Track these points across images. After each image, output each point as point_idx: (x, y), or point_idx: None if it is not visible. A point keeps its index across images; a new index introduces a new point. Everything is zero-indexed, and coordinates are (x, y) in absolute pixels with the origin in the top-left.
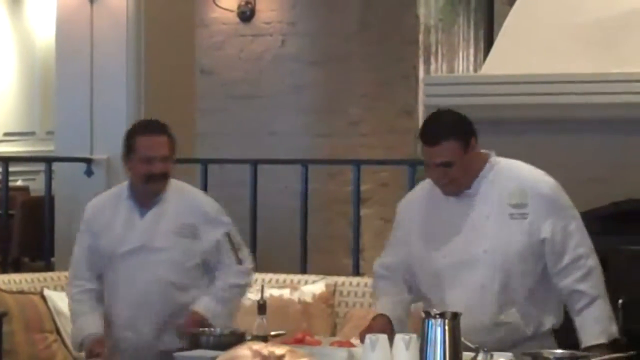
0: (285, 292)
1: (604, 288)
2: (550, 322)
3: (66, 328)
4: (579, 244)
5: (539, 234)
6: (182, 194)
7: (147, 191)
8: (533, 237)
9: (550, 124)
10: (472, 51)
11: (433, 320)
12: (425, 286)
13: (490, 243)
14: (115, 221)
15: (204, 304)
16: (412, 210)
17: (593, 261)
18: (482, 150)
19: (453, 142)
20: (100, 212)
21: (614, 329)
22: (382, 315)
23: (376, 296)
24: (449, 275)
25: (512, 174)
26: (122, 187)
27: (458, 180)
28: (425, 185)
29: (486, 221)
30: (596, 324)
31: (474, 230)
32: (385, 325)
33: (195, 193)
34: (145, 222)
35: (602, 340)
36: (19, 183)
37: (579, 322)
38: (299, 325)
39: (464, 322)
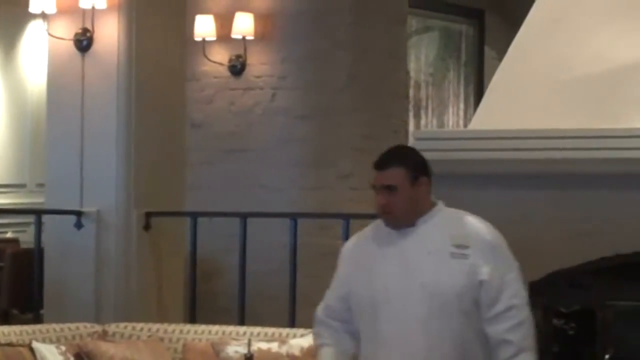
0: (274, 346)
1: (533, 343)
2: None
3: None
4: (515, 295)
5: (478, 276)
6: None
7: None
8: (472, 278)
9: (539, 179)
10: (462, 106)
11: None
12: (362, 320)
13: (428, 277)
14: None
15: None
16: (354, 251)
17: (525, 314)
18: (435, 200)
19: (402, 169)
20: None
21: None
22: None
23: (318, 345)
24: (386, 307)
25: (457, 220)
26: None
27: (400, 211)
28: (368, 229)
29: (427, 256)
30: None
31: (413, 264)
32: None
33: None
34: None
35: None
36: (9, 235)
37: None
38: None
39: (398, 355)
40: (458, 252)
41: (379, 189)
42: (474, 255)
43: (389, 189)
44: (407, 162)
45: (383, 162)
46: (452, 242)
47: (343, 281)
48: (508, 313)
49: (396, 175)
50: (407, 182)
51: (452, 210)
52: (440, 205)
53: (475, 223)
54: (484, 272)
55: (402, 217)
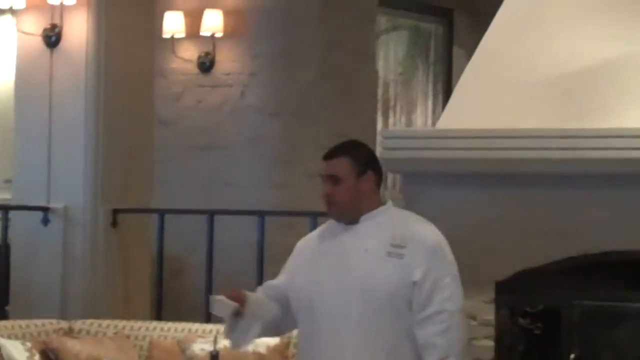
0: None
1: (462, 350)
2: None
3: None
4: (447, 300)
5: (411, 276)
6: None
7: None
8: (405, 278)
9: (506, 179)
10: (430, 105)
11: None
12: (300, 313)
13: (362, 275)
14: None
15: None
16: (306, 245)
17: (456, 320)
18: (385, 200)
19: (348, 160)
20: None
21: None
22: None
23: None
24: (321, 302)
25: (400, 220)
26: None
27: (344, 202)
28: (321, 227)
29: (364, 254)
30: None
31: (349, 261)
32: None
33: None
34: None
35: None
36: None
37: None
38: None
39: (330, 351)
40: (394, 251)
41: (325, 178)
42: (409, 255)
43: (334, 179)
44: (354, 154)
45: (331, 153)
46: (391, 241)
47: (285, 275)
48: (438, 317)
49: (342, 165)
50: (352, 174)
51: (399, 210)
52: (389, 205)
53: (417, 224)
54: (417, 273)
55: (345, 208)
